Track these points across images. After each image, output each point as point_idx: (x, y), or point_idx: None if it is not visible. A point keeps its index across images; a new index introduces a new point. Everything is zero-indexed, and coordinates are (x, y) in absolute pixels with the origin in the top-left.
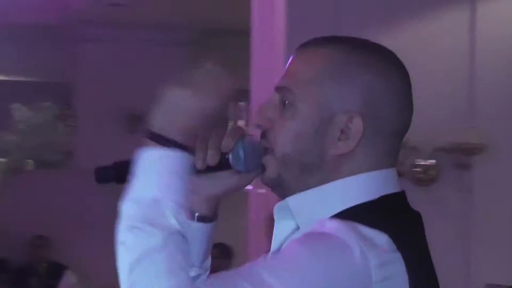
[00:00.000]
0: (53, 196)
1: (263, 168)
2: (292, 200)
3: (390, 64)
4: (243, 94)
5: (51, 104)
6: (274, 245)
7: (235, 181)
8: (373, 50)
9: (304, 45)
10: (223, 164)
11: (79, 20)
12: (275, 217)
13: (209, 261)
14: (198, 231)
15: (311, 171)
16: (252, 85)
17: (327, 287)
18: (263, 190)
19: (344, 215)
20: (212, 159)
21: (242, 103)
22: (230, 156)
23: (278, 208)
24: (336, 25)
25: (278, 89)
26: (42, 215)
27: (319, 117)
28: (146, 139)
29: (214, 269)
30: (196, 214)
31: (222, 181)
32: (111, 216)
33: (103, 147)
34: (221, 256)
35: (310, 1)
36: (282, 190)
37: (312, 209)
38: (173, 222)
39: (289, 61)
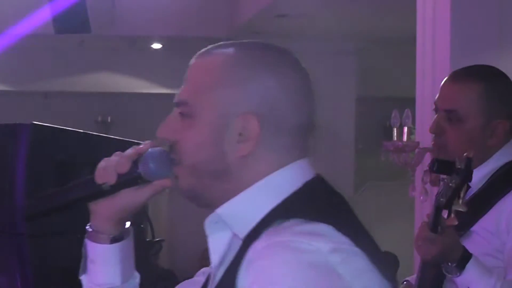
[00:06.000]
0: None
1: (175, 178)
2: (222, 211)
3: (284, 63)
4: (410, 101)
5: None
6: (215, 260)
7: (131, 197)
8: (266, 51)
9: (197, 57)
10: (130, 181)
11: (246, 32)
12: (207, 232)
13: (135, 279)
14: (106, 253)
15: (221, 177)
16: (418, 93)
17: None
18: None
19: (277, 212)
20: (108, 176)
21: (407, 110)
22: (141, 169)
23: (209, 222)
24: (500, 31)
25: (176, 104)
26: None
27: (216, 123)
28: None
29: None
30: (111, 236)
31: (120, 199)
32: None
33: None
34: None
35: (474, 8)
36: (200, 200)
37: (244, 214)
38: None
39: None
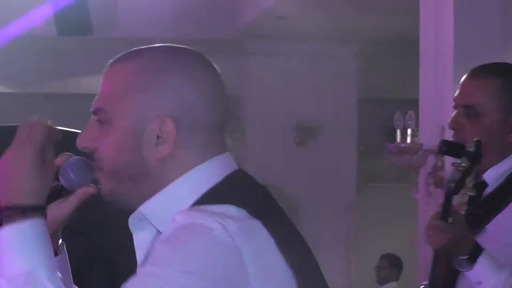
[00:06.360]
0: None
1: (97, 183)
2: (144, 208)
3: (196, 65)
4: (412, 103)
5: None
6: (139, 257)
7: (57, 210)
8: (177, 54)
9: (111, 63)
10: (54, 195)
11: (246, 35)
12: (132, 230)
13: None
14: None
15: (142, 179)
16: (421, 94)
17: (208, 271)
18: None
19: (197, 204)
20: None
21: (410, 112)
22: (62, 181)
23: (132, 220)
24: (504, 32)
25: (93, 111)
26: None
27: (133, 128)
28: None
29: (383, 280)
30: None
31: (47, 215)
32: None
33: (272, 159)
34: (390, 267)
35: (477, 9)
36: (123, 203)
37: (166, 210)
38: None
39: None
